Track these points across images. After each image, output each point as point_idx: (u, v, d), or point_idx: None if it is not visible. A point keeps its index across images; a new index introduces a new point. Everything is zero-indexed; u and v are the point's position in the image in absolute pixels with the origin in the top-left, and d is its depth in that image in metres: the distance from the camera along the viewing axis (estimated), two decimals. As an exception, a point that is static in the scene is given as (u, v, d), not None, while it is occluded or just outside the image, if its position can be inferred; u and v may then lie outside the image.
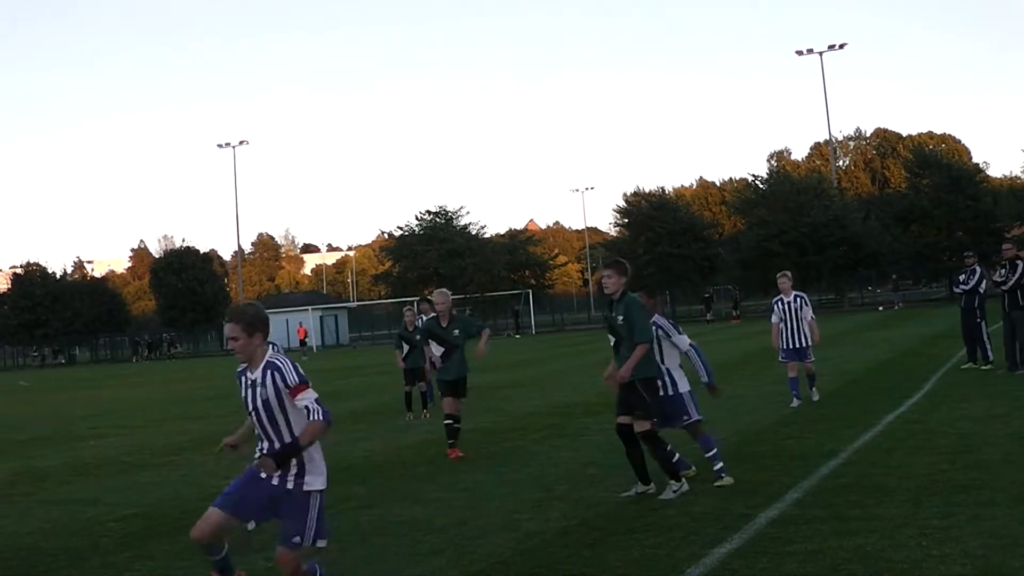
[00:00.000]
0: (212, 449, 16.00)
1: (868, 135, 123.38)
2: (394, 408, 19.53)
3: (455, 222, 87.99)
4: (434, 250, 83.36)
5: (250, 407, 6.32)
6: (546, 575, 7.24)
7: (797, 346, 16.30)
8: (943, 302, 62.11)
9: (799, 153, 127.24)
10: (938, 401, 15.17)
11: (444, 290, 14.26)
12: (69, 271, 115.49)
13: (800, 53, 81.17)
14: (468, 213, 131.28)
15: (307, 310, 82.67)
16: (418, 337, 15.91)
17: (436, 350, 13.75)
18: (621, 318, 9.59)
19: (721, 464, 10.06)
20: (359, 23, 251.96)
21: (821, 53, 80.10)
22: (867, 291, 77.12)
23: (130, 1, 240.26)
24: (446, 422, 13.50)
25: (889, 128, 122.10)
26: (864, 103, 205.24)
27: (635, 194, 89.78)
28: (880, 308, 63.77)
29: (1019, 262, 18.09)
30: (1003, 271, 18.32)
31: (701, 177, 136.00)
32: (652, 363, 9.72)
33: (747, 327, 50.57)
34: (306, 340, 69.53)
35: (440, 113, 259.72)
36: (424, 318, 17.80)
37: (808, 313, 16.46)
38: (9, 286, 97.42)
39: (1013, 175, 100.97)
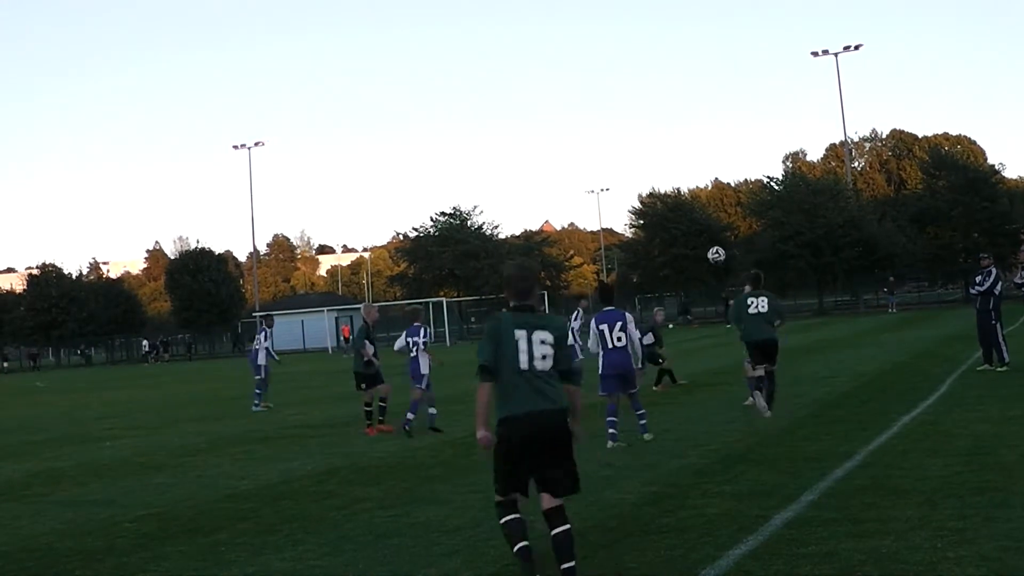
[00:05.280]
0: (227, 450, 16.11)
1: (884, 136, 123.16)
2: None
3: (470, 223, 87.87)
4: (449, 251, 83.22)
5: None
6: (560, 576, 7.25)
7: None
8: (959, 303, 61.94)
9: (814, 154, 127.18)
10: (953, 403, 15.11)
11: (374, 304, 19.81)
12: (85, 272, 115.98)
13: (815, 54, 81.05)
14: (482, 213, 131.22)
15: (322, 311, 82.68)
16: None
17: (368, 349, 17.55)
18: None
19: None
20: (374, 24, 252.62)
21: (836, 54, 79.96)
22: (882, 292, 76.90)
23: (145, 3, 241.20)
24: (380, 404, 17.39)
25: (905, 129, 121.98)
26: (880, 104, 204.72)
27: (650, 195, 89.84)
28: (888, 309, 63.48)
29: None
30: (1022, 273, 18.29)
31: (716, 178, 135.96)
32: None
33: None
34: (350, 339, 70.00)
35: (455, 114, 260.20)
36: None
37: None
38: (25, 287, 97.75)
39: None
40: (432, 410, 16.84)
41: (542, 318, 6.70)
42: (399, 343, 17.13)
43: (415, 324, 17.15)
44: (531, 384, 6.43)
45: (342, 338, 71.50)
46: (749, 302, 15.69)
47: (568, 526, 6.47)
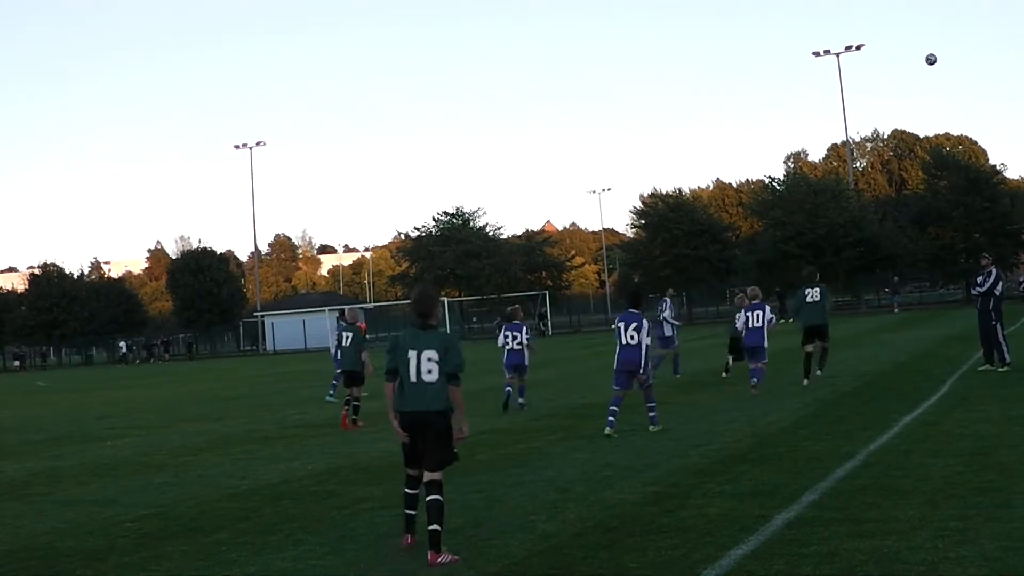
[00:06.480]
0: (228, 450, 16.10)
1: (885, 136, 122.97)
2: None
3: (472, 223, 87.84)
4: (451, 251, 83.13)
5: None
6: (561, 576, 7.25)
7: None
8: (960, 304, 61.88)
9: (816, 154, 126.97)
10: (955, 403, 15.12)
11: (356, 307, 20.80)
12: (86, 272, 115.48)
13: (817, 54, 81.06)
14: (485, 214, 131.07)
15: (324, 311, 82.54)
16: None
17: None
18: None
19: None
20: (376, 24, 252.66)
21: (838, 54, 79.95)
22: (883, 292, 76.79)
23: (145, 3, 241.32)
24: (355, 403, 18.59)
25: (906, 129, 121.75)
26: (881, 104, 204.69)
27: (652, 195, 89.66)
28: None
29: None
30: (1024, 275, 18.30)
31: (718, 179, 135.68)
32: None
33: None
34: (365, 336, 69.95)
35: (457, 114, 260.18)
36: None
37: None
38: (26, 286, 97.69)
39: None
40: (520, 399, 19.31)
41: (432, 338, 8.24)
42: (500, 339, 19.41)
43: (515, 322, 19.31)
44: (416, 392, 8.13)
45: None
46: (807, 292, 20.20)
47: (439, 497, 7.96)
